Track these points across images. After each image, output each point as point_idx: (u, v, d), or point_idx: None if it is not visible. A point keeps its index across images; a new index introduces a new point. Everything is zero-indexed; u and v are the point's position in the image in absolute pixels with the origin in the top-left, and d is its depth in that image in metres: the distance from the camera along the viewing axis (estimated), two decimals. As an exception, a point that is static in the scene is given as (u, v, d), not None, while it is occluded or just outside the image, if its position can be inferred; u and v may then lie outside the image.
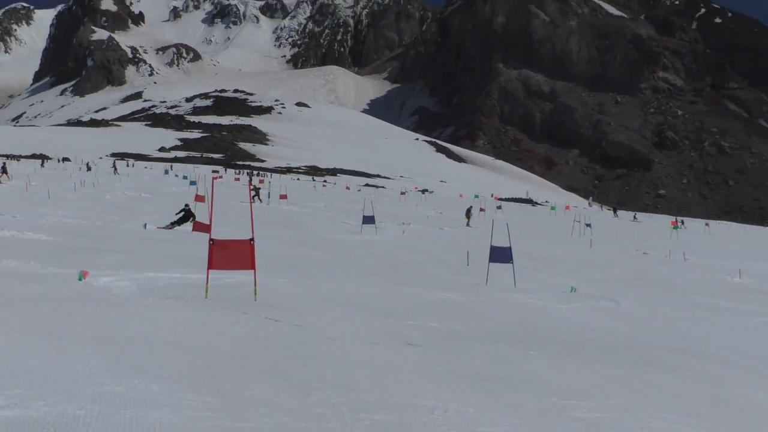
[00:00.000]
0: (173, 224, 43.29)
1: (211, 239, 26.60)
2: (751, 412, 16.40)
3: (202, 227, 44.33)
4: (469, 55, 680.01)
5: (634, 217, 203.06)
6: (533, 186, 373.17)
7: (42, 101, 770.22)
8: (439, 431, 12.44)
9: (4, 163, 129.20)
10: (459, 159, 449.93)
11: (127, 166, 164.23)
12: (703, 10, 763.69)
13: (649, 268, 58.34)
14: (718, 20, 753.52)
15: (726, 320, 33.39)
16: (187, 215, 46.05)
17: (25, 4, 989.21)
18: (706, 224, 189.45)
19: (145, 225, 51.68)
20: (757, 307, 39.15)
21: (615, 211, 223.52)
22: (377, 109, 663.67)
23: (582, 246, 76.22)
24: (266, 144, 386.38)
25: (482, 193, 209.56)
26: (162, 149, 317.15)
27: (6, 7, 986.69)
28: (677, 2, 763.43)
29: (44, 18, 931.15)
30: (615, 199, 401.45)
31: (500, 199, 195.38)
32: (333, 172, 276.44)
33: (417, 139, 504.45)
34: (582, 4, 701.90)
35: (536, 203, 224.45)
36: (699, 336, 28.10)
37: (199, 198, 68.95)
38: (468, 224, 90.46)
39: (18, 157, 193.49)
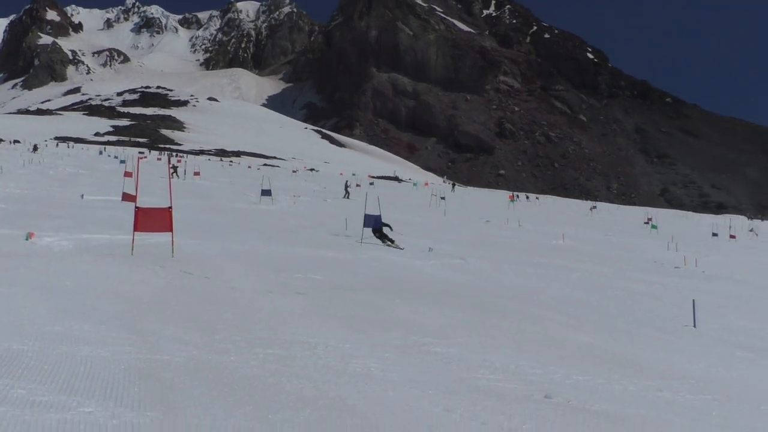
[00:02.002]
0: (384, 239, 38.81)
1: (136, 207, 26.78)
2: (569, 347, 16.54)
3: (129, 197, 43.84)
4: (348, 61, 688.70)
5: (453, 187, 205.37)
6: (399, 166, 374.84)
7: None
8: (320, 363, 12.44)
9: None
10: (339, 144, 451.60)
11: (68, 147, 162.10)
12: (535, 27, 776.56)
13: (491, 232, 58.63)
14: (547, 36, 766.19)
15: (552, 274, 33.60)
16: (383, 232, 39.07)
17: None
18: (536, 197, 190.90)
19: (83, 195, 51.01)
20: (576, 264, 39.49)
21: (453, 187, 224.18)
22: (274, 103, 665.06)
23: (437, 215, 76.31)
24: (183, 131, 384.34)
25: (358, 172, 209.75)
26: (97, 134, 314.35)
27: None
28: (514, 21, 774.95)
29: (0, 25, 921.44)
30: (464, 178, 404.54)
31: (372, 177, 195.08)
32: (237, 154, 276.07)
33: (306, 128, 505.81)
34: (439, 22, 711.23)
35: (401, 180, 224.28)
36: (530, 287, 28.27)
37: (127, 174, 68.21)
38: (346, 197, 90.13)
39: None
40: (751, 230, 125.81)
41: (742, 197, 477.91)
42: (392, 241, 37.56)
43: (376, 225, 41.19)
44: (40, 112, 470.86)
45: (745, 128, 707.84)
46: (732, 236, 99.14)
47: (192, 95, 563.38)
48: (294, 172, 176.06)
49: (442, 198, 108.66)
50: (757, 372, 16.47)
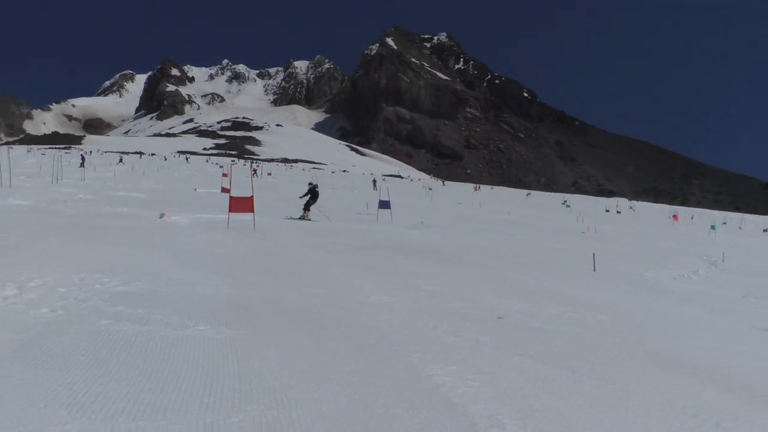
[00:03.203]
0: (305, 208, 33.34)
1: (230, 196, 27.05)
2: (515, 285, 16.44)
3: (225, 190, 44.12)
4: (367, 99, 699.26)
5: (443, 183, 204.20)
6: (401, 168, 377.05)
7: (140, 123, 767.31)
8: (348, 297, 12.41)
9: (122, 156, 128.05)
10: (362, 154, 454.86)
11: (187, 161, 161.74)
12: (489, 76, 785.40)
13: (462, 211, 58.27)
14: (497, 81, 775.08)
15: (502, 238, 33.42)
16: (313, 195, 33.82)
17: (131, 71, 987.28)
18: (491, 188, 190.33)
19: (195, 189, 51.03)
20: (520, 230, 39.34)
21: (443, 182, 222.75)
22: (318, 128, 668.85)
23: (427, 200, 75.98)
24: (260, 146, 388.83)
25: (375, 173, 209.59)
26: (204, 149, 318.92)
27: (120, 73, 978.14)
28: (475, 72, 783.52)
29: (141, 78, 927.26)
30: (444, 176, 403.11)
31: (384, 176, 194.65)
32: (295, 161, 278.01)
33: (339, 143, 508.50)
34: (426, 73, 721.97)
35: (403, 178, 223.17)
36: (489, 246, 28.10)
37: (224, 175, 68.22)
38: (374, 186, 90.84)
39: (127, 153, 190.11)
40: (630, 208, 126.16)
41: (624, 186, 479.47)
42: (306, 212, 33.20)
43: (386, 207, 41.05)
44: (167, 135, 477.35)
45: (627, 141, 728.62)
46: (618, 212, 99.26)
47: (265, 123, 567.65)
48: (333, 172, 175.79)
49: (430, 189, 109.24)
50: (633, 300, 16.42)
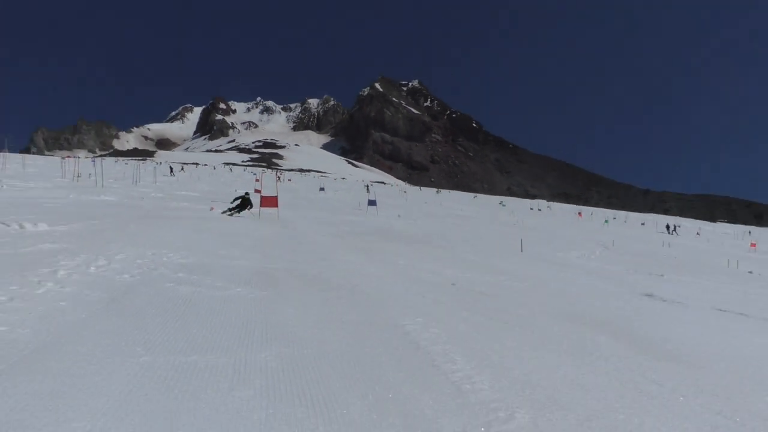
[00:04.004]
0: (231, 210, 26.06)
1: (261, 195, 27.07)
2: (464, 260, 16.46)
3: (257, 191, 44.03)
4: (360, 127, 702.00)
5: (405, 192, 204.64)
6: (385, 177, 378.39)
7: (196, 142, 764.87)
8: (348, 268, 12.42)
9: (183, 166, 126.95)
10: (356, 166, 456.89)
11: (230, 170, 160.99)
12: (449, 111, 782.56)
13: (428, 208, 58.36)
14: (454, 115, 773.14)
15: (457, 227, 33.48)
16: (244, 203, 26.75)
17: (190, 105, 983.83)
18: (449, 192, 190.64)
19: (236, 190, 50.94)
20: (468, 222, 39.38)
21: (420, 188, 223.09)
22: (326, 147, 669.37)
23: (402, 199, 76.10)
24: (283, 159, 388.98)
25: (366, 180, 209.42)
26: (243, 161, 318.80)
27: (182, 106, 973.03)
28: (438, 108, 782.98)
29: (198, 110, 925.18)
30: (415, 183, 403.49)
31: (372, 182, 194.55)
32: (309, 171, 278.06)
33: (340, 158, 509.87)
34: (403, 109, 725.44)
35: (386, 184, 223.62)
36: (447, 233, 28.13)
37: (257, 180, 68.19)
38: (367, 191, 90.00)
39: (186, 164, 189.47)
40: (548, 207, 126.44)
41: (544, 191, 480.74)
42: (234, 211, 25.69)
43: (374, 204, 41.00)
44: (216, 151, 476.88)
45: (546, 159, 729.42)
46: (539, 210, 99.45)
47: (287, 143, 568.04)
48: (335, 180, 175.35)
49: (404, 191, 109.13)
50: (549, 272, 16.47)
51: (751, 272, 28.67)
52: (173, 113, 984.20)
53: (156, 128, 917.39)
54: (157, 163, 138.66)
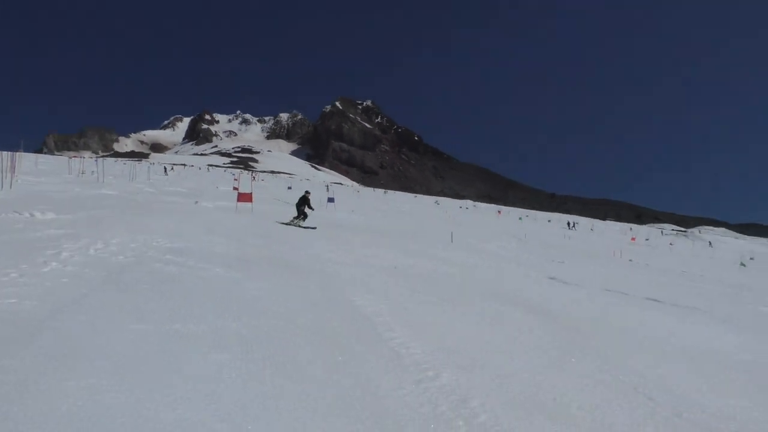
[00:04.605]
0: (296, 219, 20.39)
1: (238, 192, 26.56)
2: (405, 248, 16.46)
3: (235, 188, 43.25)
4: (322, 138, 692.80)
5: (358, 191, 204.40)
6: (342, 179, 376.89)
7: (185, 147, 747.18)
8: (314, 254, 12.31)
9: (173, 166, 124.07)
10: (319, 170, 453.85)
11: (208, 169, 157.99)
12: (395, 126, 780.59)
13: (377, 205, 58.31)
14: (399, 130, 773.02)
15: (400, 221, 33.50)
16: (303, 201, 20.75)
17: (180, 115, 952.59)
18: (395, 192, 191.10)
19: (217, 187, 49.81)
20: (409, 217, 39.39)
21: (374, 189, 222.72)
22: (294, 154, 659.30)
23: (357, 200, 75.84)
24: (257, 163, 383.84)
25: (326, 181, 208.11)
26: (224, 164, 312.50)
27: (173, 116, 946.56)
28: (386, 123, 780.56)
29: (187, 120, 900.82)
30: (367, 185, 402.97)
31: (332, 183, 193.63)
32: (279, 172, 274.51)
33: (305, 163, 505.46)
34: (358, 123, 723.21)
35: (343, 185, 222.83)
36: (392, 226, 28.12)
37: (235, 179, 66.87)
38: (327, 190, 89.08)
39: (175, 164, 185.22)
40: (474, 206, 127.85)
41: (471, 194, 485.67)
42: (297, 219, 20.34)
43: (332, 201, 40.84)
44: (201, 155, 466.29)
45: (473, 167, 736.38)
46: (467, 208, 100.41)
47: (261, 149, 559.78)
48: (301, 180, 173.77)
49: (358, 191, 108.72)
50: (474, 259, 16.67)
51: (631, 260, 29.59)
52: (165, 122, 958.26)
53: (150, 134, 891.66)
54: (151, 164, 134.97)
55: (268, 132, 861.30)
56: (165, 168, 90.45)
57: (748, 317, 11.86)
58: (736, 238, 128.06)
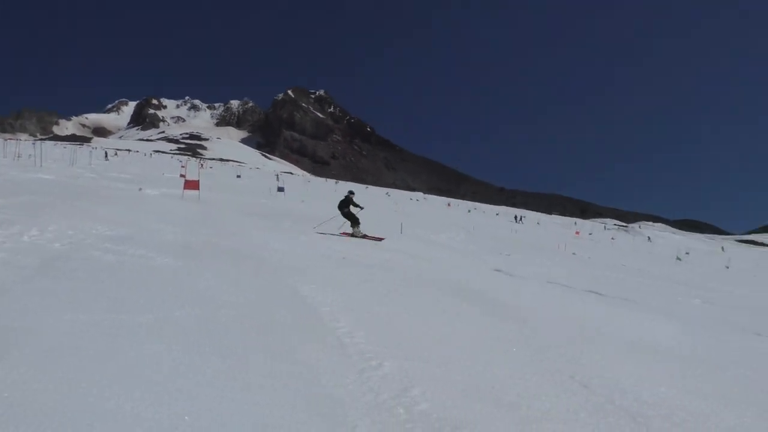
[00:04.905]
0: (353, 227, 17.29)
1: (185, 179, 25.82)
2: (357, 240, 16.45)
3: (182, 176, 42.14)
4: (274, 126, 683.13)
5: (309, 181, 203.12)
6: (293, 169, 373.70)
7: (129, 132, 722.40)
8: (255, 242, 12.15)
9: (116, 151, 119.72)
10: (269, 158, 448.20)
11: (150, 155, 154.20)
12: (348, 116, 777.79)
13: (327, 195, 57.85)
14: (352, 120, 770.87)
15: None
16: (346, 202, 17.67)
17: (125, 99, 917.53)
18: (346, 183, 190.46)
19: (163, 173, 48.41)
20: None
21: (326, 179, 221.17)
22: (244, 142, 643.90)
23: (308, 190, 75.28)
24: (206, 150, 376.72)
25: (277, 170, 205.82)
26: (171, 150, 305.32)
27: (117, 100, 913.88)
28: (339, 113, 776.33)
29: (132, 104, 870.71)
30: (318, 175, 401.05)
31: (282, 172, 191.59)
32: (228, 160, 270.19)
33: (256, 151, 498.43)
34: (311, 113, 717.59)
35: (293, 174, 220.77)
36: (341, 215, 28.14)
37: (182, 166, 65.19)
38: (277, 179, 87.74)
39: (119, 150, 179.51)
40: (424, 198, 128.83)
41: (422, 186, 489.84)
42: (356, 228, 17.21)
43: (282, 190, 40.33)
44: (147, 140, 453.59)
45: (424, 159, 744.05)
46: (417, 200, 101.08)
47: (210, 136, 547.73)
48: (250, 169, 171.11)
49: (308, 181, 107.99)
50: (425, 249, 16.83)
51: (574, 254, 30.47)
52: (110, 105, 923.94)
53: (93, 117, 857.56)
54: (93, 148, 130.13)
55: (217, 119, 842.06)
56: (106, 153, 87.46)
57: (680, 309, 12.40)
58: (674, 233, 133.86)
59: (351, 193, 17.86)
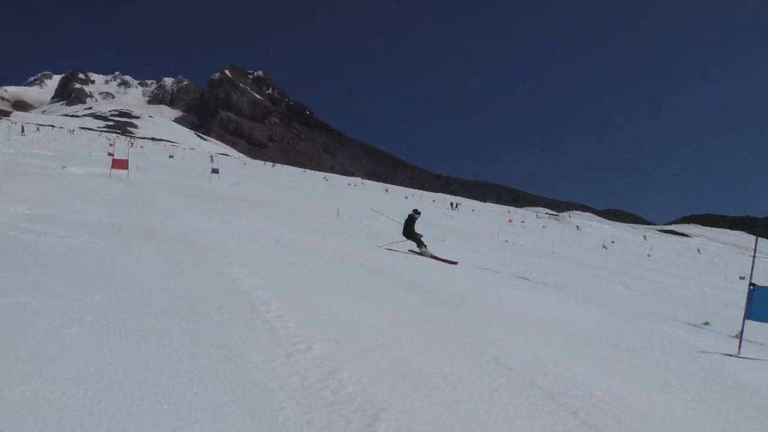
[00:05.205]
0: (419, 247, 14.49)
1: (114, 158, 24.80)
2: (293, 223, 16.29)
3: (110, 154, 40.35)
4: (209, 106, 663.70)
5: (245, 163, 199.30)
6: (229, 151, 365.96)
7: (54, 107, 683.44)
8: (184, 224, 11.83)
9: (39, 127, 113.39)
10: (204, 139, 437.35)
11: (72, 131, 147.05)
12: (287, 99, 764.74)
13: (264, 179, 56.94)
14: (291, 103, 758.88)
15: (288, 195, 33.04)
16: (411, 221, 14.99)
17: (49, 72, 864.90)
18: (283, 166, 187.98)
19: (90, 152, 46.16)
20: (299, 192, 38.90)
21: (265, 162, 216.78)
22: (177, 121, 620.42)
23: (244, 172, 73.72)
24: (137, 128, 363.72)
25: (212, 151, 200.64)
26: (99, 127, 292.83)
27: (42, 72, 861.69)
28: (278, 95, 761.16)
29: (57, 78, 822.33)
30: (255, 157, 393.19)
31: (217, 153, 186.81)
32: (161, 140, 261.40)
33: (190, 131, 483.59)
34: (248, 94, 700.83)
35: (229, 156, 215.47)
36: (279, 199, 27.69)
37: (111, 145, 62.53)
38: (211, 161, 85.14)
39: (42, 125, 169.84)
40: (362, 183, 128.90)
41: (360, 171, 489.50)
42: (423, 247, 14.59)
43: (217, 172, 39.23)
44: (73, 116, 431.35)
45: (362, 144, 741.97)
46: (355, 185, 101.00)
47: (142, 114, 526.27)
48: (184, 149, 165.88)
49: (244, 163, 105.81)
50: (356, 234, 16.85)
51: (506, 241, 31.29)
52: (32, 78, 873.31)
53: (13, 90, 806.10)
54: (12, 123, 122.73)
55: (149, 96, 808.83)
56: (23, 127, 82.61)
57: (603, 295, 12.97)
58: (601, 223, 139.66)
59: (416, 213, 15.53)
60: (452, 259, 14.03)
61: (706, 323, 10.72)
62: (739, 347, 7.68)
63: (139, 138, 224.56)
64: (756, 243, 8.27)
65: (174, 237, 9.78)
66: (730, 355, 7.36)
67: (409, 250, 14.38)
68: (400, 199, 77.89)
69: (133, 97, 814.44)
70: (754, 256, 8.46)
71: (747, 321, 7.90)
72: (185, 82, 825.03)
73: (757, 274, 9.87)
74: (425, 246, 14.55)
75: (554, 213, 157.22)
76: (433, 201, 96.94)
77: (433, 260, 13.71)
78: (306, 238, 13.38)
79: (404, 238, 14.72)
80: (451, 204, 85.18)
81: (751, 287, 7.85)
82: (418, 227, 15.35)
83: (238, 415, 3.32)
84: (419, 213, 15.59)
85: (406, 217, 15.23)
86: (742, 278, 34.91)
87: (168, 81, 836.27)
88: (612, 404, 4.50)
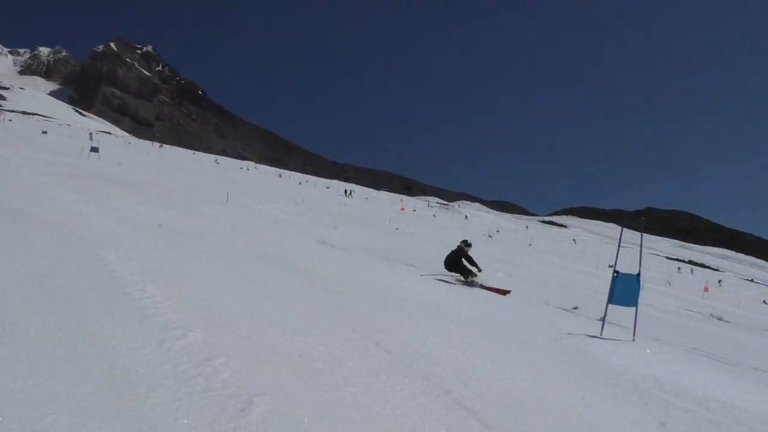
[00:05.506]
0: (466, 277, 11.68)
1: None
2: (176, 206, 15.57)
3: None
4: (92, 81, 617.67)
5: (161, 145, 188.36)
6: (112, 129, 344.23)
7: None
8: (60, 206, 11.00)
9: None
10: (83, 115, 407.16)
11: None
12: (178, 77, 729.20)
13: (149, 159, 53.83)
14: (183, 81, 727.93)
15: (173, 177, 31.57)
16: (458, 254, 12.02)
17: None
18: (171, 147, 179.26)
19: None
20: (184, 173, 37.34)
21: (153, 144, 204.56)
22: (53, 95, 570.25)
23: (127, 152, 69.31)
24: (5, 101, 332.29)
25: (92, 128, 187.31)
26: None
27: None
28: (169, 74, 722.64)
29: None
30: (140, 137, 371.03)
31: (99, 131, 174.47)
32: (33, 114, 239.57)
33: (69, 107, 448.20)
34: (135, 69, 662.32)
35: (111, 134, 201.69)
36: (162, 181, 26.41)
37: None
38: (91, 138, 78.64)
39: None
40: (255, 168, 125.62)
41: (253, 155, 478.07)
42: (473, 277, 11.76)
43: (96, 151, 36.64)
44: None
45: (257, 128, 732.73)
46: (247, 169, 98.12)
47: (11, 85, 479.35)
48: (60, 125, 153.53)
49: (129, 143, 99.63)
50: (248, 219, 16.44)
51: (397, 229, 31.92)
52: None
53: None
54: None
55: (22, 66, 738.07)
56: None
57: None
58: (488, 212, 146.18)
59: (466, 245, 12.52)
60: (504, 288, 11.95)
61: (576, 308, 11.53)
62: (602, 329, 8.34)
63: (8, 111, 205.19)
64: (621, 233, 8.97)
65: (44, 219, 9.07)
66: (594, 337, 7.97)
67: (457, 280, 11.91)
68: (294, 184, 77.07)
69: (2, 65, 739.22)
70: (618, 246, 9.18)
71: (609, 305, 8.59)
72: (63, 53, 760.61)
73: (622, 262, 10.73)
74: (475, 275, 11.98)
75: (444, 202, 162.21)
76: (328, 187, 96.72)
77: (328, 246, 13.70)
78: (192, 222, 12.88)
79: (446, 271, 12.18)
80: (345, 191, 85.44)
81: (615, 274, 8.53)
82: (474, 256, 12.57)
83: (99, 404, 3.15)
84: (470, 245, 12.65)
85: (455, 249, 12.50)
86: (610, 266, 37.88)
87: (44, 51, 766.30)
88: (483, 383, 4.74)
